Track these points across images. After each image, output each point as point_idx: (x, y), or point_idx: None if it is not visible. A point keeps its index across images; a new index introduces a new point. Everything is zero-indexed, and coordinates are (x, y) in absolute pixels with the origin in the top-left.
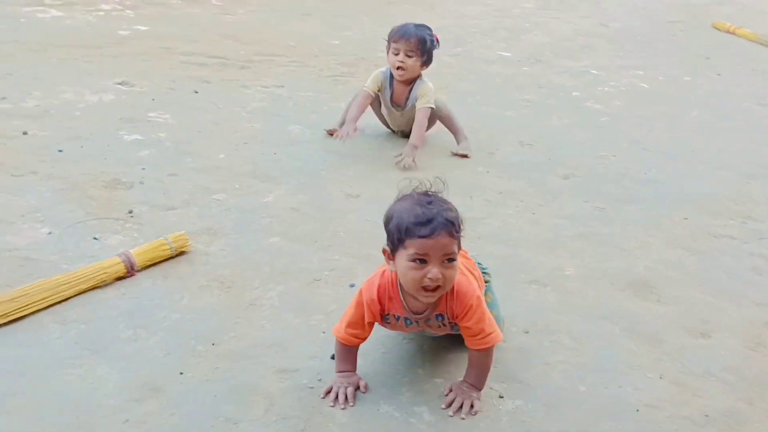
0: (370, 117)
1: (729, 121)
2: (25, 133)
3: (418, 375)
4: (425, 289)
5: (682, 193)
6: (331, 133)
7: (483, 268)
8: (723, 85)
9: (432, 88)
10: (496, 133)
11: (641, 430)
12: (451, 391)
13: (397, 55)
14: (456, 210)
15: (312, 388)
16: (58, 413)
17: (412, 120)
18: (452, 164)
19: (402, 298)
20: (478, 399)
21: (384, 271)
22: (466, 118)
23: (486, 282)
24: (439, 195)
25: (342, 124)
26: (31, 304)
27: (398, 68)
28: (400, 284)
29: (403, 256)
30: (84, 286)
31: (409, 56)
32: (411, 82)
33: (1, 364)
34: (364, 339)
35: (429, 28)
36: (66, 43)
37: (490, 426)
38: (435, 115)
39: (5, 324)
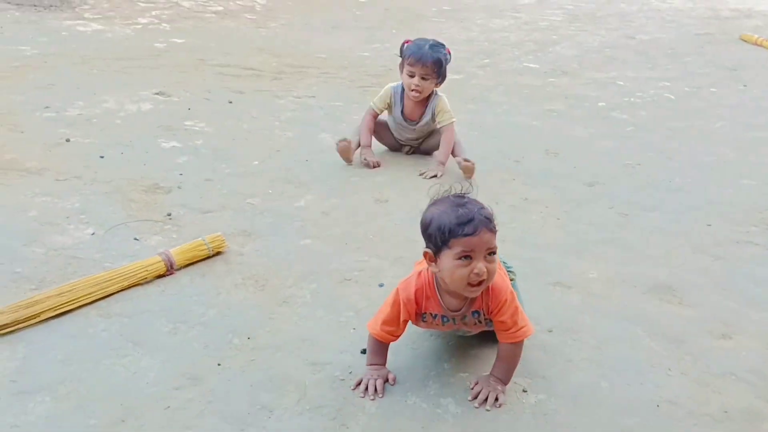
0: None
1: (754, 132)
2: (68, 140)
3: (445, 369)
4: (471, 284)
5: (707, 201)
6: (341, 147)
7: (508, 267)
8: (749, 97)
9: (446, 100)
10: (522, 142)
11: (661, 425)
12: (477, 383)
13: (412, 77)
14: (488, 206)
15: (343, 380)
16: (104, 400)
17: (423, 135)
18: (478, 172)
19: (439, 297)
20: (503, 392)
21: (420, 272)
22: (494, 127)
23: (511, 280)
24: (464, 194)
25: (359, 144)
26: (77, 298)
27: (413, 91)
28: (437, 284)
29: (449, 255)
30: (126, 283)
31: (425, 79)
32: (426, 99)
33: (50, 353)
34: (398, 336)
35: (442, 46)
36: (106, 56)
37: (513, 418)
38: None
39: (54, 317)
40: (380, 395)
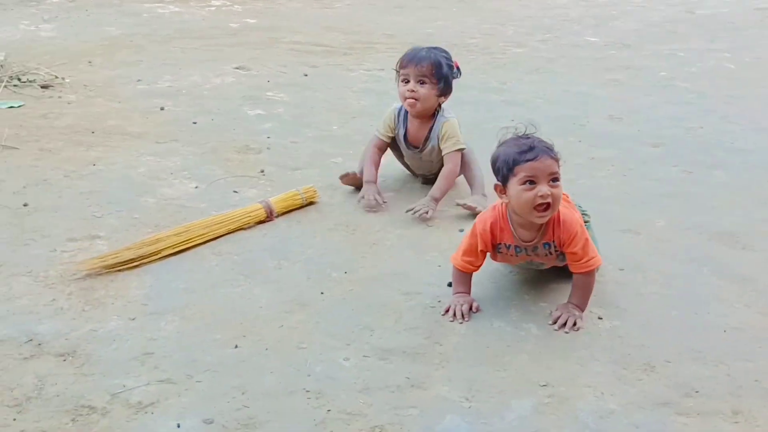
0: None
1: None
2: (162, 109)
3: (525, 300)
4: (537, 209)
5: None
6: (346, 181)
7: (582, 210)
8: None
9: (457, 123)
10: (586, 108)
11: (727, 347)
12: (557, 309)
13: (407, 83)
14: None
15: (433, 307)
16: (225, 320)
17: (432, 164)
18: (543, 132)
19: (512, 228)
20: (581, 318)
21: (495, 206)
22: (557, 95)
23: (585, 222)
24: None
25: (361, 171)
26: (192, 238)
27: (408, 98)
28: (509, 216)
29: (515, 182)
30: (233, 226)
31: (422, 82)
32: (429, 117)
33: (173, 284)
34: (477, 267)
35: (446, 52)
36: (185, 35)
37: (590, 340)
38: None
39: (172, 254)
40: (467, 319)
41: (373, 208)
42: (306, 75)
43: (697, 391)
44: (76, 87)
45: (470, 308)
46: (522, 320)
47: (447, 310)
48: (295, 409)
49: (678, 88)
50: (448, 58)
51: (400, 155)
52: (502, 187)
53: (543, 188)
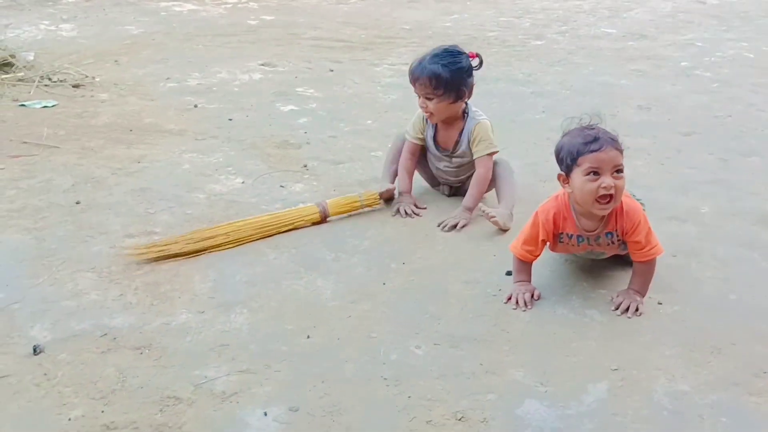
0: None
1: None
2: (195, 106)
3: (585, 287)
4: (599, 201)
5: None
6: (385, 197)
7: (637, 198)
8: None
9: (489, 125)
10: (613, 98)
11: None
12: (618, 296)
13: (420, 98)
14: (614, 131)
15: (495, 295)
16: (293, 311)
17: (463, 170)
18: None
19: (575, 218)
20: (642, 303)
21: (557, 195)
22: (583, 87)
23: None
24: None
25: (390, 178)
26: (249, 235)
27: (425, 112)
28: (572, 206)
29: (578, 173)
30: (288, 227)
31: (429, 99)
32: (458, 119)
33: (236, 277)
34: (536, 256)
35: (451, 54)
36: (206, 33)
37: (654, 325)
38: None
39: (230, 248)
40: (530, 307)
41: (408, 215)
42: (332, 70)
43: (765, 372)
44: (107, 86)
45: (532, 296)
46: (584, 306)
47: (509, 298)
48: (376, 396)
49: (701, 77)
50: (453, 62)
51: (424, 162)
52: (565, 177)
53: (607, 179)
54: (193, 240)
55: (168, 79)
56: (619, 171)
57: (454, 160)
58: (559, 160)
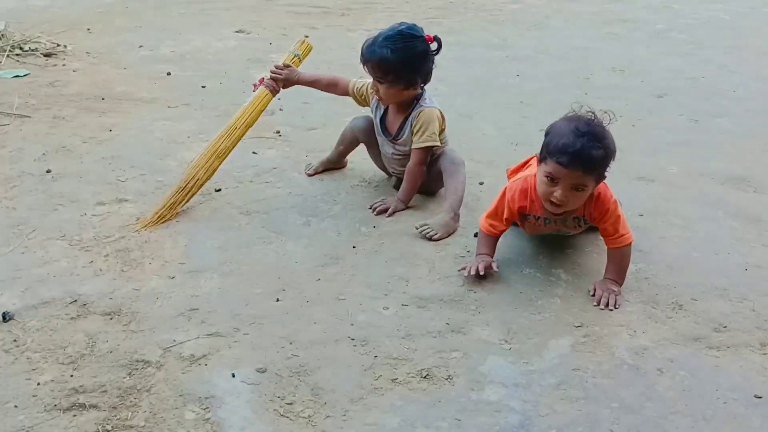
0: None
1: None
2: (168, 74)
3: (552, 247)
4: (551, 202)
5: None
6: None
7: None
8: None
9: (436, 115)
10: (587, 61)
11: (750, 284)
12: (596, 289)
13: (371, 80)
14: (609, 147)
15: (463, 257)
16: (263, 275)
17: (405, 159)
18: (552, 90)
19: (542, 201)
20: (620, 293)
21: (527, 177)
22: (559, 50)
23: None
24: (601, 126)
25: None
26: (226, 147)
27: (375, 94)
28: None
29: (542, 169)
30: (255, 117)
31: (380, 82)
32: (407, 106)
33: (208, 242)
34: (501, 232)
35: (406, 38)
36: (180, 0)
37: None
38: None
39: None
40: (481, 273)
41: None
42: (307, 36)
43: (725, 327)
44: (79, 55)
45: (488, 267)
46: (551, 266)
47: (463, 268)
48: (343, 356)
49: (676, 39)
50: (406, 47)
51: (378, 152)
52: (539, 160)
53: (559, 192)
54: (182, 188)
55: (141, 47)
56: (579, 188)
57: (397, 147)
58: (544, 141)
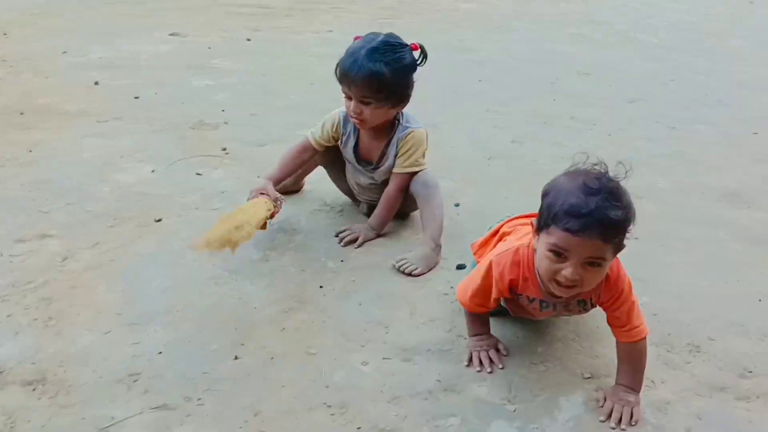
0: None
1: None
2: (96, 83)
3: None
4: (558, 282)
5: (748, 111)
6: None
7: None
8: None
9: (422, 137)
10: (554, 65)
11: (766, 317)
12: (606, 400)
13: (349, 99)
14: (628, 207)
15: (446, 294)
16: (218, 326)
17: (384, 187)
18: (522, 99)
19: (539, 280)
20: (638, 404)
21: (518, 248)
22: (525, 54)
23: None
24: (616, 183)
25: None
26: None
27: (354, 119)
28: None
29: (544, 240)
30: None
31: (366, 103)
32: (387, 129)
33: (151, 284)
34: (491, 309)
35: (394, 48)
36: (106, 0)
37: None
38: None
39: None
40: (499, 366)
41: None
42: (249, 40)
43: (750, 372)
44: None
45: (497, 351)
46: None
47: (470, 360)
48: (320, 428)
49: (643, 42)
50: (397, 58)
51: (341, 175)
52: (536, 229)
53: (569, 271)
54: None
55: (65, 53)
56: (595, 264)
57: (377, 175)
58: (541, 205)
